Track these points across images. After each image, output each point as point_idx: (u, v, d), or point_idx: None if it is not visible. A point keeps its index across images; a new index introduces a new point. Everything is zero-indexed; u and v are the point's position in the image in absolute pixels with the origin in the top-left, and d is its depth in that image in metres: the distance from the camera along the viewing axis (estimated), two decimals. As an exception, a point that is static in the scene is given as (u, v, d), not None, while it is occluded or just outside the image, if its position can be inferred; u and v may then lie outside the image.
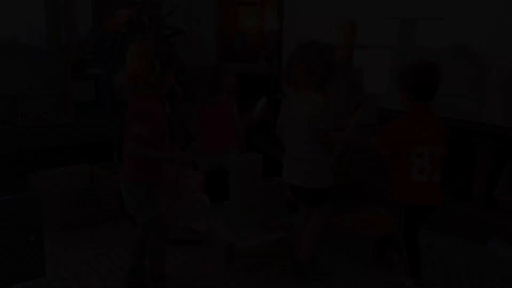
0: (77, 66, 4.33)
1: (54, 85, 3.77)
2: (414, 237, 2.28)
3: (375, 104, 2.89)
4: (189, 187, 2.84)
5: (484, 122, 2.75)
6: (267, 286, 2.38)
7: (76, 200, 2.99)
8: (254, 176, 2.65)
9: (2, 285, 2.19)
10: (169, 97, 3.50)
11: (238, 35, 4.64)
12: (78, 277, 2.45)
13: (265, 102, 3.41)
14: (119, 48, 4.40)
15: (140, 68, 2.04)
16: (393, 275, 2.47)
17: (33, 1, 6.77)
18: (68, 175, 3.42)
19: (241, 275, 2.47)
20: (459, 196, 2.94)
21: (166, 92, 2.20)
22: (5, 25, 6.59)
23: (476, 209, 2.85)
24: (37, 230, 2.25)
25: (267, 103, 3.47)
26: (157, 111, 2.10)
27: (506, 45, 2.63)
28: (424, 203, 2.25)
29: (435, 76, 2.20)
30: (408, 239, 2.26)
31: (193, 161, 2.16)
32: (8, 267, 2.19)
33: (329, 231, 2.75)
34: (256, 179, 2.66)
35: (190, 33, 4.80)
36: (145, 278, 2.29)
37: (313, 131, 2.29)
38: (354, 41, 2.79)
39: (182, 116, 3.43)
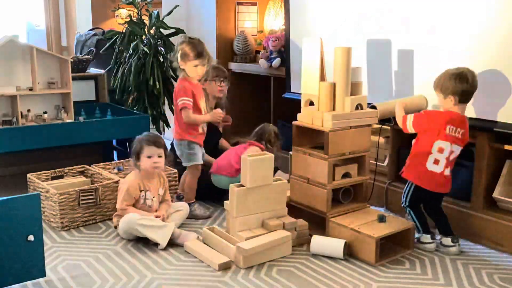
0: (77, 66, 4.34)
1: (54, 85, 3.77)
2: (417, 205, 2.77)
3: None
4: None
5: (484, 120, 2.74)
6: (268, 286, 2.38)
7: (76, 200, 2.99)
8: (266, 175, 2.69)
9: (2, 285, 2.20)
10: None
11: (238, 35, 4.64)
12: (78, 277, 2.45)
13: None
14: (119, 48, 4.41)
15: None
16: (395, 276, 2.48)
17: (33, 1, 6.78)
18: (68, 175, 3.42)
19: (241, 275, 2.47)
20: (459, 196, 2.93)
21: None
22: (5, 25, 6.61)
23: (476, 209, 2.85)
24: (37, 230, 2.25)
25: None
26: None
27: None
28: (431, 188, 2.69)
29: (475, 81, 2.60)
30: (411, 205, 2.76)
31: None
32: (8, 267, 2.19)
33: (330, 231, 2.76)
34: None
35: (189, 33, 4.81)
36: None
37: None
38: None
39: None
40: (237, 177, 3.03)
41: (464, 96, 2.60)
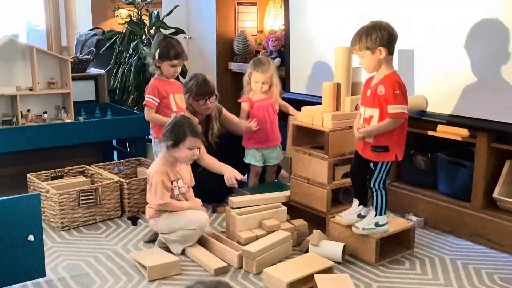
0: (77, 66, 4.34)
1: (54, 85, 3.77)
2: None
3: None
4: None
5: (484, 120, 2.74)
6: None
7: (76, 200, 2.99)
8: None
9: (2, 285, 2.20)
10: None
11: (238, 35, 4.64)
12: (78, 277, 2.45)
13: None
14: (119, 48, 4.41)
15: None
16: (395, 276, 2.48)
17: (33, 1, 6.78)
18: (68, 175, 3.42)
19: (241, 276, 2.47)
20: (459, 196, 2.93)
21: None
22: (5, 25, 6.62)
23: (476, 209, 2.84)
24: (37, 230, 2.25)
25: None
26: None
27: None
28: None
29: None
30: (385, 185, 2.54)
31: None
32: (8, 267, 2.19)
33: (330, 231, 2.76)
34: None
35: (190, 33, 4.81)
36: None
37: None
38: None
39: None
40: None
41: (393, 46, 2.40)
